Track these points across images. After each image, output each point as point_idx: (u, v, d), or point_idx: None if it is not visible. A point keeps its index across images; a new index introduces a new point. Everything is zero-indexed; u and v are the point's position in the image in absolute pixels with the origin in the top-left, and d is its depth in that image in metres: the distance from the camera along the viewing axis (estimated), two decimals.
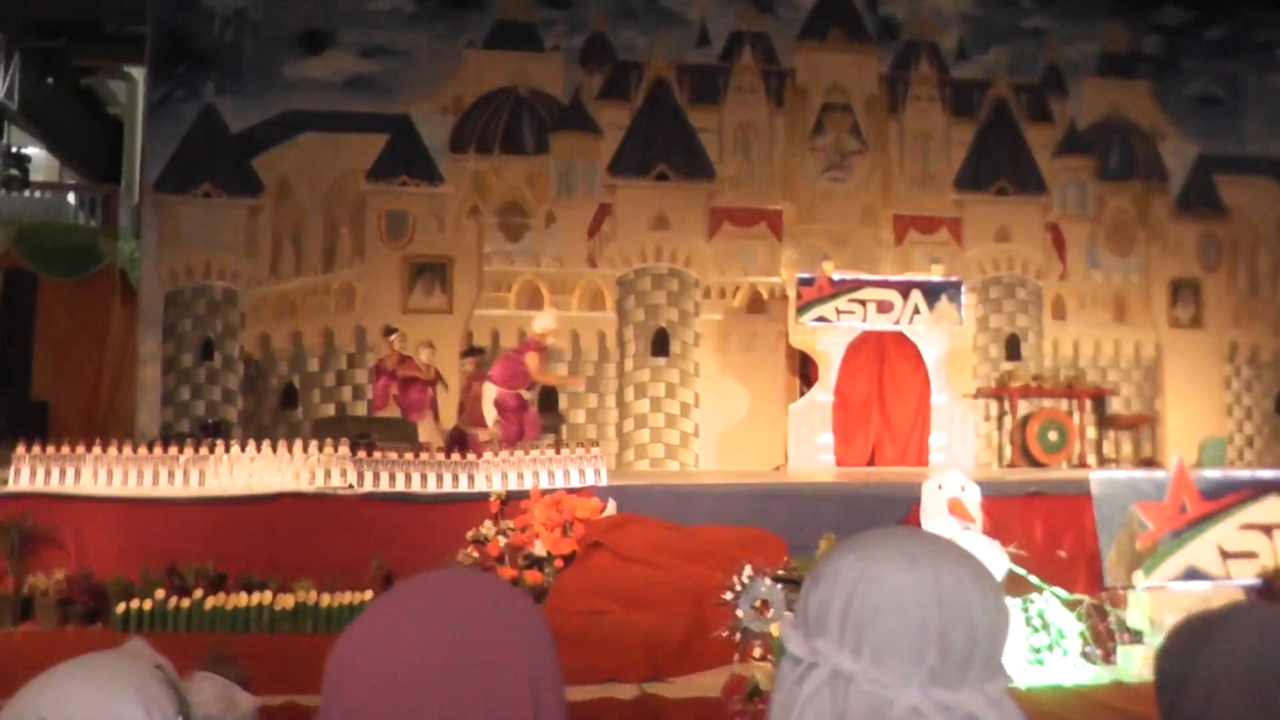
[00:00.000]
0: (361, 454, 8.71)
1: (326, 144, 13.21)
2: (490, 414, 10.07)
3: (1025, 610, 7.26)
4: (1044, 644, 7.29)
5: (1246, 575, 7.74)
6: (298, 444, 8.73)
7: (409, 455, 8.86)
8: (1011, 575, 7.23)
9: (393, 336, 11.15)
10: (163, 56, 13.09)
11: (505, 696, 1.02)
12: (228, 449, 8.67)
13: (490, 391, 10.08)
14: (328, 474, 8.54)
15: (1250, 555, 7.96)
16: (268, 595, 7.64)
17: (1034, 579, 7.45)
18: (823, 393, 12.10)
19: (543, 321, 10.36)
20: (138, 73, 13.66)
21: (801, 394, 12.66)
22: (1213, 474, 9.17)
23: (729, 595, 7.18)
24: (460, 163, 13.46)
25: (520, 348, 10.32)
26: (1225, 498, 8.17)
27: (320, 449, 8.63)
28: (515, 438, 9.89)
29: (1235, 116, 15.26)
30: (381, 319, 12.74)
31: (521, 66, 13.76)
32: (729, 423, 13.45)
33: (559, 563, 8.18)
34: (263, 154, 13.08)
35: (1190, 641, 1.44)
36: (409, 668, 1.01)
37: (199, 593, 7.65)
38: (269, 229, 13.13)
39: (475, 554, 8.19)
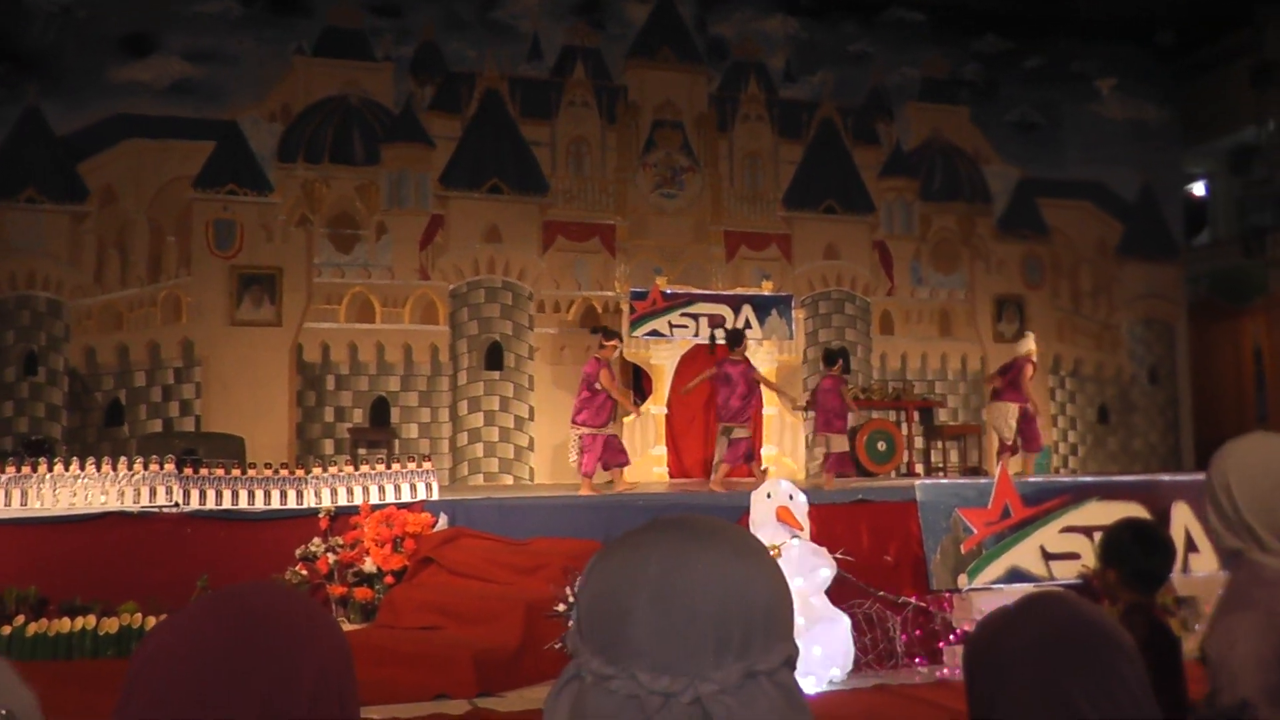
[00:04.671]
0: (188, 471, 9.34)
1: (152, 150, 13.93)
2: (1010, 433, 11.82)
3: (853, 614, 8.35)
4: (871, 646, 8.48)
5: (1069, 575, 9.00)
6: (122, 462, 9.25)
7: (235, 471, 9.55)
8: (839, 580, 8.31)
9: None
10: None
11: (283, 703, 1.20)
12: (50, 468, 9.16)
13: (1012, 410, 11.84)
14: (153, 492, 9.14)
15: (1072, 556, 9.31)
16: (91, 620, 8.08)
17: (861, 584, 8.66)
18: (656, 406, 13.66)
19: (1028, 344, 12.18)
20: None
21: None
22: (1035, 480, 10.72)
23: (561, 607, 7.77)
24: (289, 172, 14.36)
25: (1019, 364, 11.96)
26: (1047, 502, 9.60)
27: (145, 466, 9.20)
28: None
29: (1054, 142, 17.91)
30: (208, 331, 13.80)
31: (351, 75, 14.85)
32: (564, 435, 14.10)
33: (389, 579, 8.87)
34: (88, 159, 13.76)
35: (989, 632, 1.67)
36: (200, 669, 1.19)
37: (20, 619, 8.07)
38: (94, 237, 13.81)
39: (304, 571, 8.90)
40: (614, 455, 11.22)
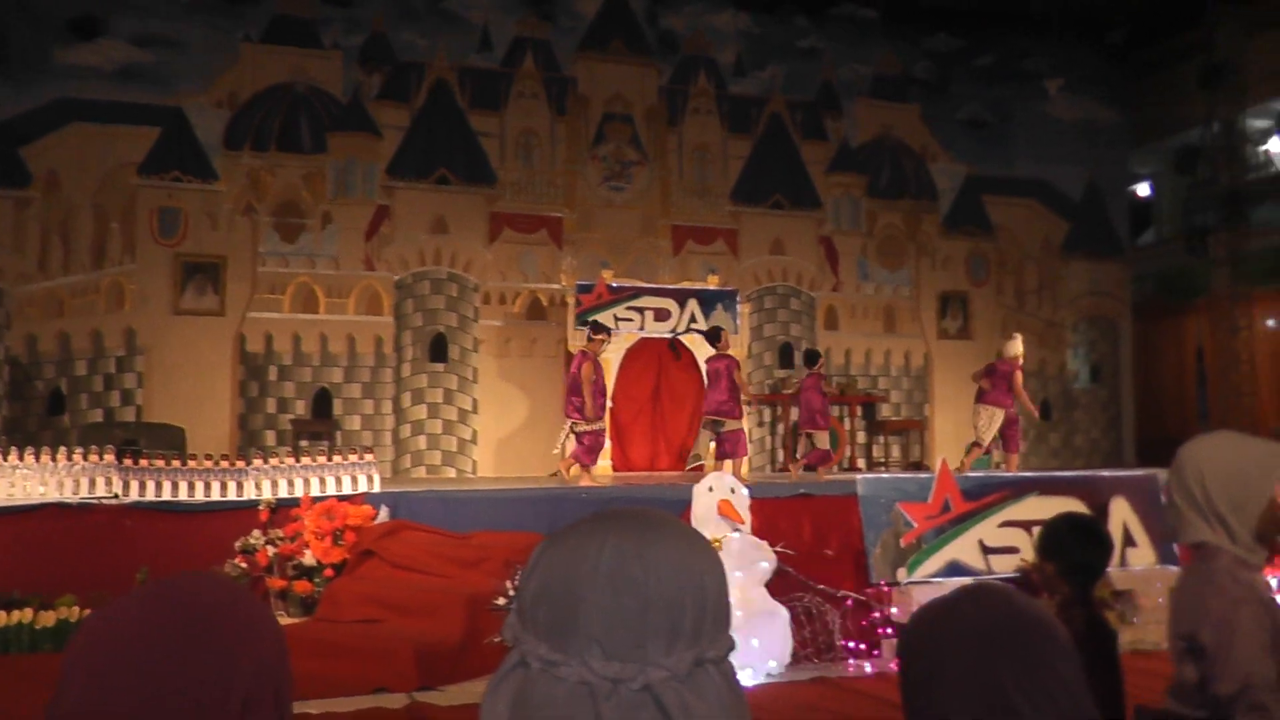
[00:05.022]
0: (128, 461, 9.32)
1: (98, 135, 13.94)
2: (989, 436, 12.14)
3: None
4: (811, 639, 8.49)
5: (1007, 569, 8.91)
6: (61, 452, 9.20)
7: (176, 462, 9.50)
8: (779, 573, 8.42)
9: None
10: None
11: (218, 693, 1.22)
12: None
13: (997, 414, 12.12)
14: (92, 483, 9.10)
15: (1011, 550, 9.30)
16: (28, 613, 8.00)
17: (801, 577, 8.68)
18: None
19: (1016, 347, 12.42)
20: None
21: None
22: (975, 475, 10.82)
23: (502, 601, 7.79)
24: (235, 159, 14.44)
25: (1005, 368, 12.26)
26: (988, 497, 9.58)
27: (85, 457, 9.15)
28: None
29: (1002, 140, 18.32)
30: (151, 320, 13.88)
31: (299, 63, 14.96)
32: (508, 428, 15.00)
33: (329, 572, 8.83)
34: (32, 143, 13.73)
35: (924, 624, 1.68)
36: (135, 659, 1.22)
37: None
38: (38, 223, 13.78)
39: (243, 564, 8.86)
40: (594, 453, 11.50)
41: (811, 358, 12.83)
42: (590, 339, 11.56)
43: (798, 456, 12.73)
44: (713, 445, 12.39)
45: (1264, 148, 18.83)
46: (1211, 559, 2.65)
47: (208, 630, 1.25)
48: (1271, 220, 18.46)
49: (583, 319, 13.72)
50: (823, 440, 12.30)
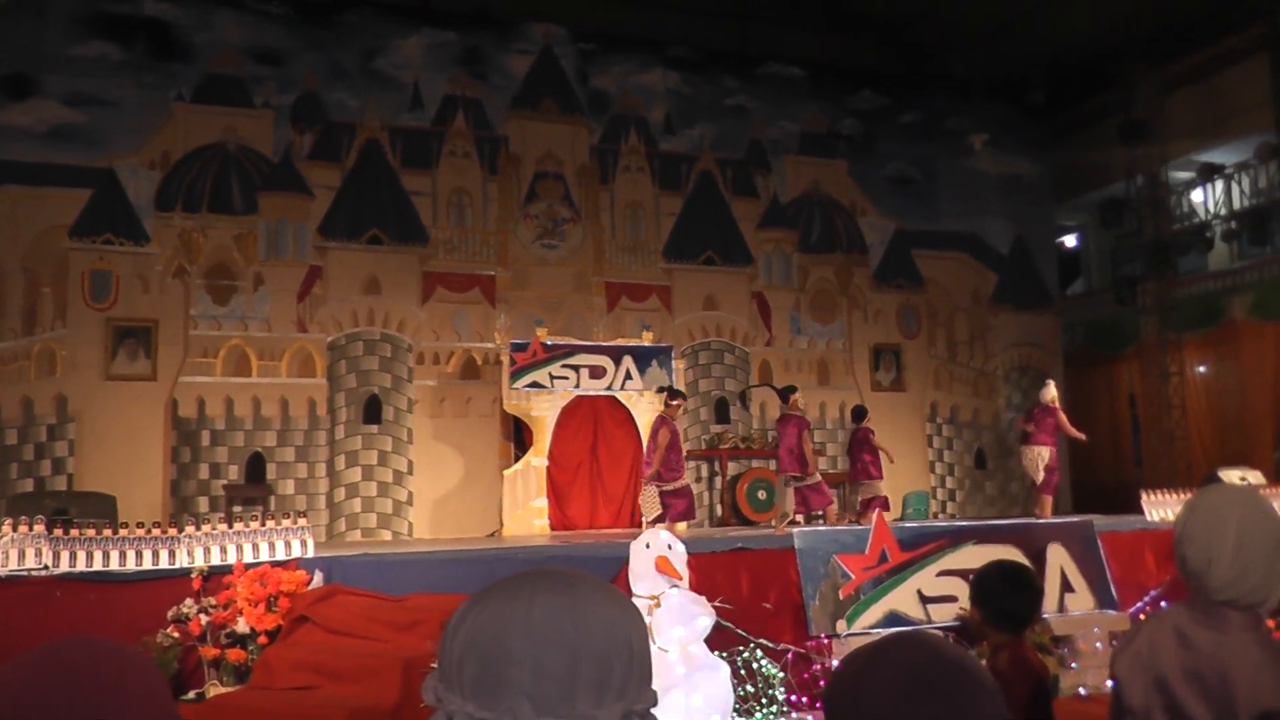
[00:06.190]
0: (58, 532, 9.05)
1: (28, 197, 14.11)
2: (1041, 474, 13.04)
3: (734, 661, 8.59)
4: (752, 694, 8.74)
5: (946, 618, 9.27)
6: None
7: (107, 531, 9.41)
8: (719, 628, 8.30)
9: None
10: None
11: None
12: None
13: (1046, 454, 13.00)
14: (21, 555, 8.84)
15: (949, 599, 9.69)
16: None
17: (740, 631, 8.95)
18: (537, 457, 14.24)
19: (1051, 392, 13.37)
20: None
21: (516, 459, 14.74)
22: (911, 525, 11.34)
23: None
24: (166, 221, 14.69)
25: (1050, 412, 13.16)
26: (924, 546, 10.03)
27: (15, 528, 8.90)
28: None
29: (929, 195, 19.16)
30: (83, 385, 14.02)
31: (230, 122, 15.27)
32: (444, 489, 15.31)
33: (263, 639, 8.72)
34: None
35: (850, 673, 1.69)
36: (27, 711, 1.29)
37: None
38: None
39: (176, 634, 8.67)
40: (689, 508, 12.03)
41: (859, 413, 13.89)
42: (667, 404, 12.13)
43: (858, 507, 13.63)
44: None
45: (1188, 197, 19.78)
46: (1237, 619, 2.38)
47: (75, 694, 1.32)
48: (1198, 268, 19.38)
49: (517, 377, 14.21)
50: (872, 489, 13.50)
